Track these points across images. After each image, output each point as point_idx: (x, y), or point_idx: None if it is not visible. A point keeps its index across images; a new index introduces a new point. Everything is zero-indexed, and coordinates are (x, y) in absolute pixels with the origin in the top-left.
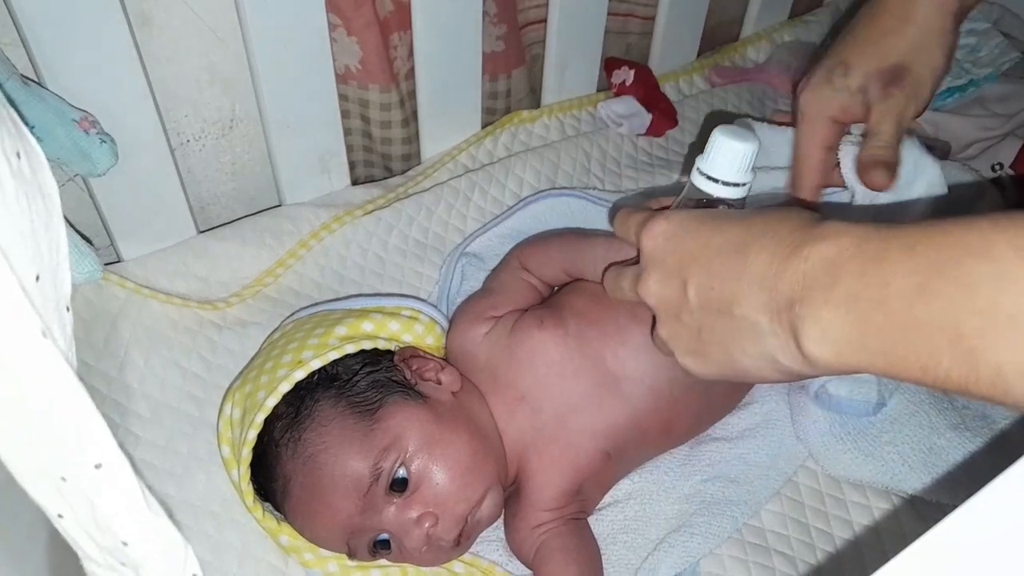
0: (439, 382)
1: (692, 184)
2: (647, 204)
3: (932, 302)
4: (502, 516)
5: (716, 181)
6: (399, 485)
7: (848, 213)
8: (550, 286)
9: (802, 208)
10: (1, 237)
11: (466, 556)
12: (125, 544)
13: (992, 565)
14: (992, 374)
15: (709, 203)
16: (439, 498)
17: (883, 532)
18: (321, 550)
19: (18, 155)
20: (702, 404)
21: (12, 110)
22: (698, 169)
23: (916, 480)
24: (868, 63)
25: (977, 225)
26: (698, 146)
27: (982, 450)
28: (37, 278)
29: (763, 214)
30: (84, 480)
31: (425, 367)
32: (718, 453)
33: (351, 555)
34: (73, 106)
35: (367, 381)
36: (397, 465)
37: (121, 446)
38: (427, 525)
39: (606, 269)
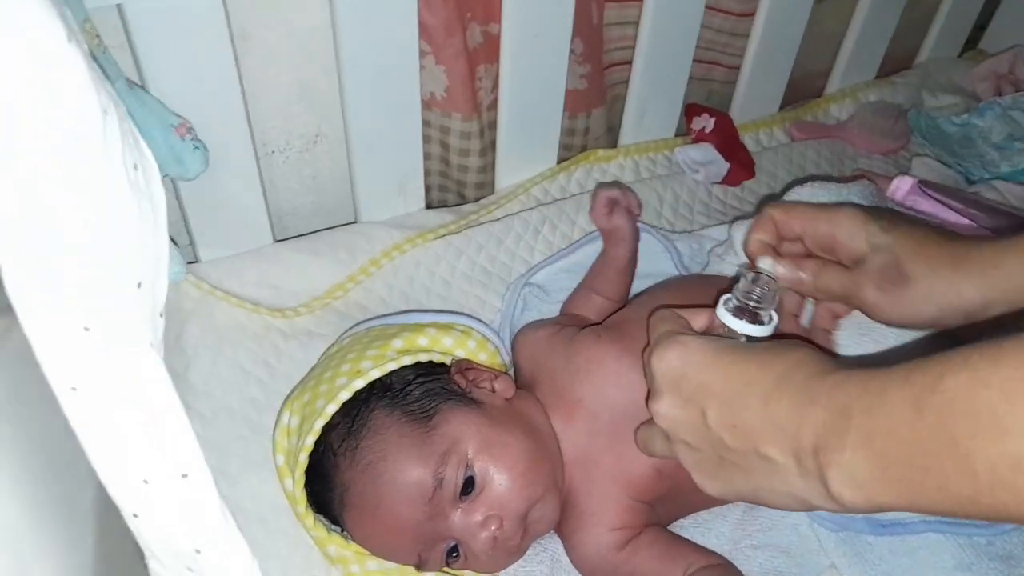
0: (493, 390)
1: (718, 317)
2: (679, 317)
3: (928, 418)
4: (567, 553)
5: (743, 317)
6: (468, 487)
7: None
8: (617, 302)
9: (813, 350)
10: (120, 244)
11: None
12: (198, 551)
13: None
14: (989, 473)
15: (731, 335)
16: (502, 499)
17: None
18: (368, 563)
19: (136, 167)
20: None
21: (133, 125)
22: (723, 303)
23: None
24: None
25: (957, 350)
26: (776, 197)
27: None
28: (139, 285)
29: (779, 357)
30: (169, 486)
31: (480, 376)
32: (770, 520)
33: (420, 566)
34: (172, 112)
35: (421, 390)
36: (462, 469)
37: None
38: (493, 528)
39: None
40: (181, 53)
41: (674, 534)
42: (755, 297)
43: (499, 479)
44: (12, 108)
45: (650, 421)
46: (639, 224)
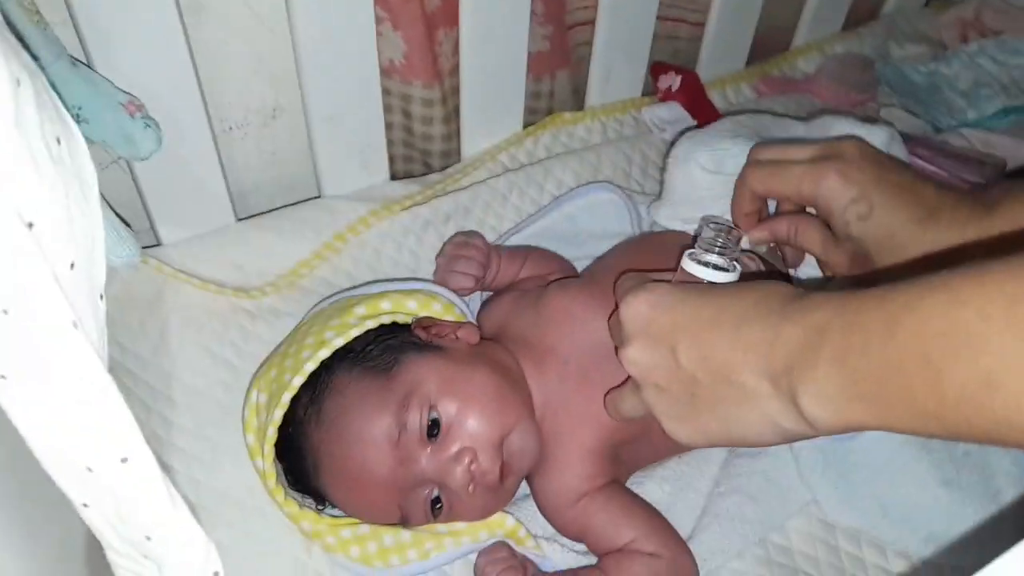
0: (456, 338)
1: (683, 270)
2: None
3: (901, 335)
4: (534, 497)
5: (708, 266)
6: (434, 428)
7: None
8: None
9: (783, 282)
10: (37, 225)
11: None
12: (148, 538)
13: None
14: (958, 391)
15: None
16: (471, 430)
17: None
18: (342, 532)
19: (58, 140)
20: None
21: (55, 95)
22: (688, 256)
23: (896, 534)
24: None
25: (939, 273)
26: None
27: (972, 511)
28: (72, 265)
29: (750, 288)
30: (109, 473)
31: (443, 328)
32: (740, 467)
33: (405, 521)
34: (120, 89)
35: (381, 348)
36: (425, 410)
37: (153, 429)
38: (467, 460)
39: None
40: (127, 28)
41: (634, 498)
42: (719, 246)
43: (465, 412)
44: None
45: (616, 387)
46: (608, 185)
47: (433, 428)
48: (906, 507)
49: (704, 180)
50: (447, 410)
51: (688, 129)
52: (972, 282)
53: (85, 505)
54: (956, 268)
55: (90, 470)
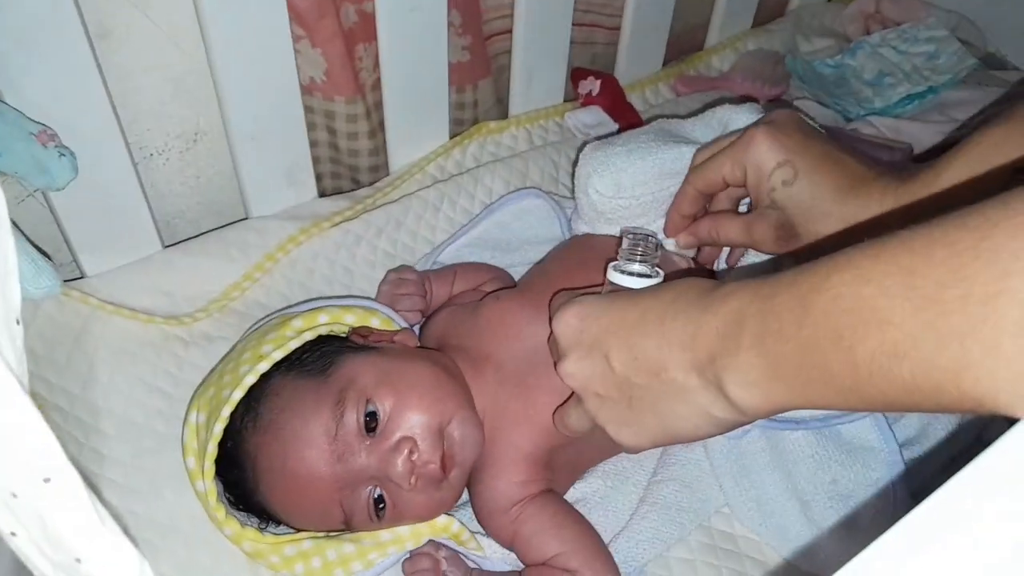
0: (393, 342)
1: (610, 282)
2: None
3: (813, 316)
4: (471, 501)
5: (632, 275)
6: (372, 421)
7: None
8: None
9: (701, 277)
10: None
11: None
12: (78, 561)
13: None
14: (868, 364)
15: None
16: (410, 420)
17: None
18: (285, 549)
19: None
20: None
21: None
22: (613, 267)
23: (776, 538)
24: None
25: (844, 251)
26: None
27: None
28: None
29: (670, 286)
30: (34, 495)
31: (379, 335)
32: (676, 456)
33: (349, 524)
34: (31, 119)
35: (317, 354)
36: (362, 404)
37: (85, 464)
38: (407, 450)
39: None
40: (35, 57)
41: (568, 511)
42: (639, 254)
43: (402, 402)
44: None
45: (562, 405)
46: (535, 191)
47: (371, 421)
48: (785, 511)
49: (607, 205)
50: (384, 403)
51: (609, 134)
52: (872, 258)
53: (13, 534)
54: (859, 244)
55: (15, 496)
